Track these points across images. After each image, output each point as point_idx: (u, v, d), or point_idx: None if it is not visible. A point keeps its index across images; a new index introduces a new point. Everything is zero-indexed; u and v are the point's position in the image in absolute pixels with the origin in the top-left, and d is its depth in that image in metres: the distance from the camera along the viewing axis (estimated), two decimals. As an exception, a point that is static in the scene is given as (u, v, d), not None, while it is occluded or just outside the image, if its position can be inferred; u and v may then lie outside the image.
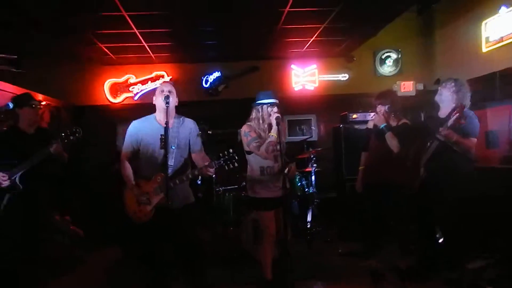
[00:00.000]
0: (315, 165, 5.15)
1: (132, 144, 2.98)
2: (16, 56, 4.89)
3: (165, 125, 2.76)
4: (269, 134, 3.07)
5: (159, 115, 3.00)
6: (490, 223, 3.85)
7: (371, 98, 4.11)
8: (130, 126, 3.03)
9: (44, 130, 3.68)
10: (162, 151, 2.80)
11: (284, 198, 3.11)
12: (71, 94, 6.58)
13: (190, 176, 2.92)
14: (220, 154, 2.83)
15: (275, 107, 3.15)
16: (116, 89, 6.78)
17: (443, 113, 3.38)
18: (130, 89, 6.78)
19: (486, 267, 3.38)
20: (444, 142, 3.13)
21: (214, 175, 4.88)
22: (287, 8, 4.75)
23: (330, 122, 6.80)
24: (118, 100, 6.79)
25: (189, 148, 3.07)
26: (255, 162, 3.18)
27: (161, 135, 2.78)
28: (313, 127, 7.04)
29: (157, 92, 3.00)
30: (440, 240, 3.63)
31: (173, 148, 2.90)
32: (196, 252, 3.00)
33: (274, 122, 3.05)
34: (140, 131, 2.98)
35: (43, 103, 5.04)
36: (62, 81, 6.48)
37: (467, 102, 3.28)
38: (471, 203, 3.29)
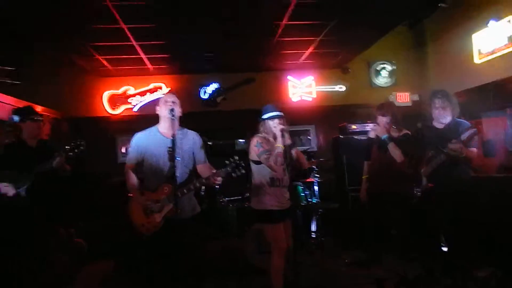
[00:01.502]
0: (317, 175, 5.17)
1: (137, 157, 2.98)
2: (14, 68, 4.88)
3: (171, 137, 2.76)
4: (276, 145, 3.09)
5: (163, 126, 3.00)
6: (488, 231, 3.91)
7: (368, 109, 4.18)
8: (133, 138, 3.03)
9: (45, 142, 3.70)
10: (167, 162, 2.80)
11: (291, 210, 3.11)
12: (69, 106, 6.53)
13: (197, 185, 2.91)
14: (227, 162, 2.79)
15: (277, 119, 3.18)
16: (114, 101, 6.75)
17: (439, 124, 3.46)
18: (129, 100, 6.76)
19: (492, 276, 3.42)
20: (450, 154, 3.19)
21: (217, 186, 4.91)
22: (284, 21, 4.84)
23: (328, 132, 6.87)
24: (118, 111, 6.75)
25: (194, 160, 3.07)
26: (264, 173, 3.18)
27: (168, 147, 2.77)
28: (310, 137, 7.09)
29: (160, 102, 3.01)
30: (445, 249, 3.67)
31: (178, 159, 2.87)
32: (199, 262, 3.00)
33: (279, 134, 3.08)
34: (144, 143, 2.98)
35: (44, 115, 5.01)
36: (60, 93, 6.42)
37: (458, 111, 3.38)
38: (474, 210, 3.36)
